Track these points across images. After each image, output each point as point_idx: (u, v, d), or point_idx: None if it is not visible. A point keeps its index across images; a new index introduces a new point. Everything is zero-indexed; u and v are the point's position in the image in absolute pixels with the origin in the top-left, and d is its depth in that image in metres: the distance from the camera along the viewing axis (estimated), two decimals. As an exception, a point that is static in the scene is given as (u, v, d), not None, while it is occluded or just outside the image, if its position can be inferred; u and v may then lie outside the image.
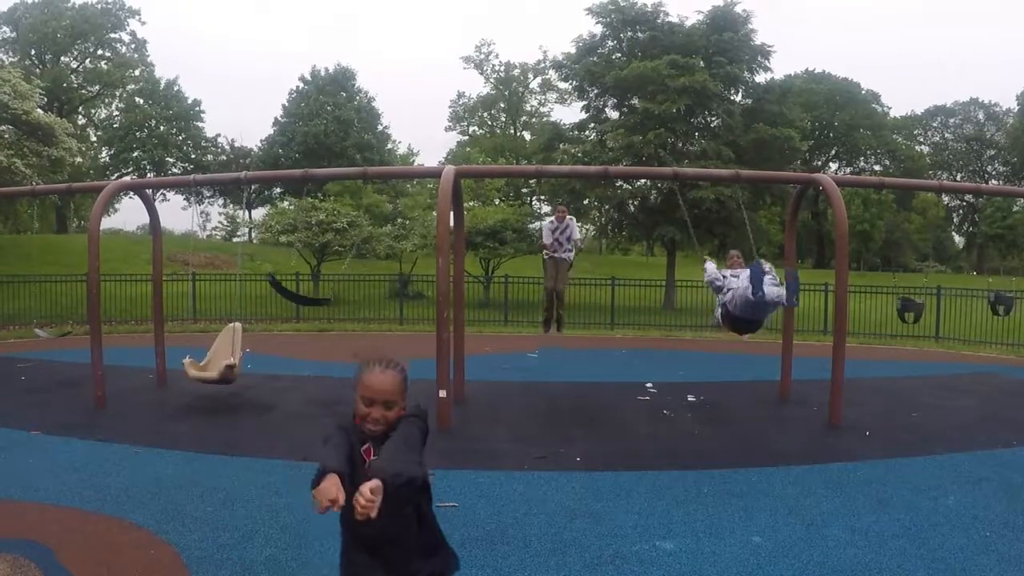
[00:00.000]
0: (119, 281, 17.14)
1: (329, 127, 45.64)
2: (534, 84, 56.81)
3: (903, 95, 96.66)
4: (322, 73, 48.70)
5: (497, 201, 32.00)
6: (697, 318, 17.49)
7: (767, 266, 7.44)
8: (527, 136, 54.76)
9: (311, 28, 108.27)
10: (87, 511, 4.80)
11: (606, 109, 25.47)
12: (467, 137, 58.71)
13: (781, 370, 9.11)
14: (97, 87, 47.54)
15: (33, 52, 44.27)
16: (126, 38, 47.63)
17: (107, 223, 48.98)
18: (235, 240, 36.16)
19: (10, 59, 39.74)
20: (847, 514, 4.90)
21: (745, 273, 7.54)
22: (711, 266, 8.22)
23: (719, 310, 7.92)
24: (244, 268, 24.56)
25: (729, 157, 21.54)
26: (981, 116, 63.78)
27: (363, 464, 2.24)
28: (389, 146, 51.96)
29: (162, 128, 48.03)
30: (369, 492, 1.97)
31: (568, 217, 10.25)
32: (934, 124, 65.75)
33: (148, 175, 45.99)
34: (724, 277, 7.90)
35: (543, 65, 48.89)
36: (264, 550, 4.21)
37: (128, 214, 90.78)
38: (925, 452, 6.50)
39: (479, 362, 10.63)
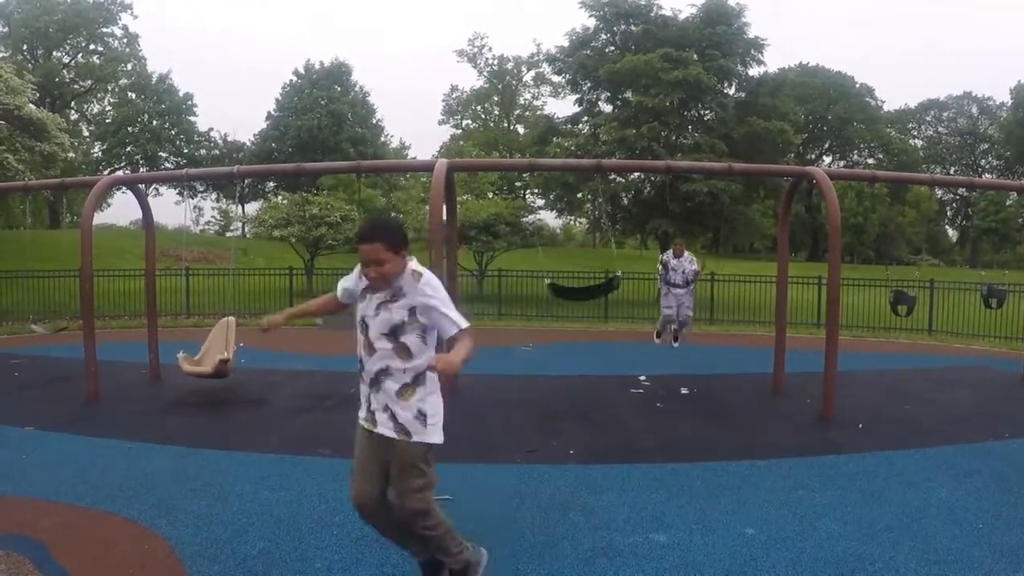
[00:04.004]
0: (112, 276, 17.08)
1: (323, 121, 45.50)
2: (527, 77, 56.74)
3: (897, 89, 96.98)
4: (316, 67, 48.52)
5: (490, 195, 31.98)
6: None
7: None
8: (520, 129, 54.70)
9: (306, 22, 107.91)
10: (81, 506, 4.80)
11: (599, 102, 25.46)
12: (460, 131, 58.62)
13: (774, 363, 9.12)
14: (89, 82, 47.31)
15: (25, 47, 44.00)
16: (118, 32, 47.38)
17: (100, 218, 48.74)
18: (228, 235, 36.04)
19: (2, 54, 39.48)
20: (839, 506, 4.92)
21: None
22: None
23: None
24: (237, 263, 24.48)
25: (722, 150, 21.54)
26: (974, 110, 63.96)
27: None
28: (382, 140, 51.92)
29: (154, 123, 47.84)
30: None
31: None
32: (927, 118, 65.89)
33: (141, 170, 45.79)
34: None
35: (536, 58, 48.73)
36: (258, 544, 4.21)
37: (121, 209, 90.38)
38: (917, 445, 6.52)
39: (473, 356, 10.60)
